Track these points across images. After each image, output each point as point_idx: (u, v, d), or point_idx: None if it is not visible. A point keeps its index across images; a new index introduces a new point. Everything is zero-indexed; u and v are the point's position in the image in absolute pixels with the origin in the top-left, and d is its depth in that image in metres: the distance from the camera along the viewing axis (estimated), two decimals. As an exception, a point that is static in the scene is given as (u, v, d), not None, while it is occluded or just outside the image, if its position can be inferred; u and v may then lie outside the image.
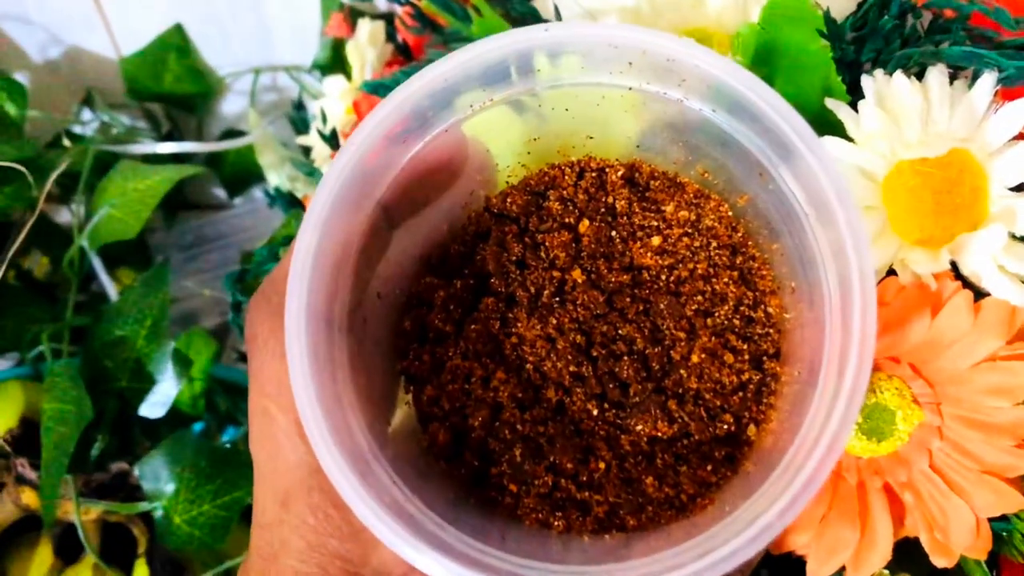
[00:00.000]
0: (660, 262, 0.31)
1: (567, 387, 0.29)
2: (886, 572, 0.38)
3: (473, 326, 0.30)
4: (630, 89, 0.29)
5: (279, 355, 0.27)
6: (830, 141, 0.35)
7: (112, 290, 0.62)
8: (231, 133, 0.69)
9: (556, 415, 0.29)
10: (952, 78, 0.35)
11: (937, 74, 0.34)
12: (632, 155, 0.33)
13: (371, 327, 0.29)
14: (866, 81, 0.35)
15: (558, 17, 0.42)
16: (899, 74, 0.34)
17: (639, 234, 0.31)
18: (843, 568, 0.36)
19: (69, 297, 0.57)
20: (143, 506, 0.49)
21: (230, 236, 0.73)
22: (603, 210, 0.32)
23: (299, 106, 0.62)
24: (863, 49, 0.38)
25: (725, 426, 0.29)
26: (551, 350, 0.29)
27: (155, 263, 0.73)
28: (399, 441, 0.29)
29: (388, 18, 0.54)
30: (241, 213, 0.74)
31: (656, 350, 0.29)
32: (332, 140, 0.47)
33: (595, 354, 0.30)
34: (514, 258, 0.31)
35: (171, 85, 0.68)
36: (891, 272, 0.34)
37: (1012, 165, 0.34)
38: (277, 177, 0.60)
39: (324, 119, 0.52)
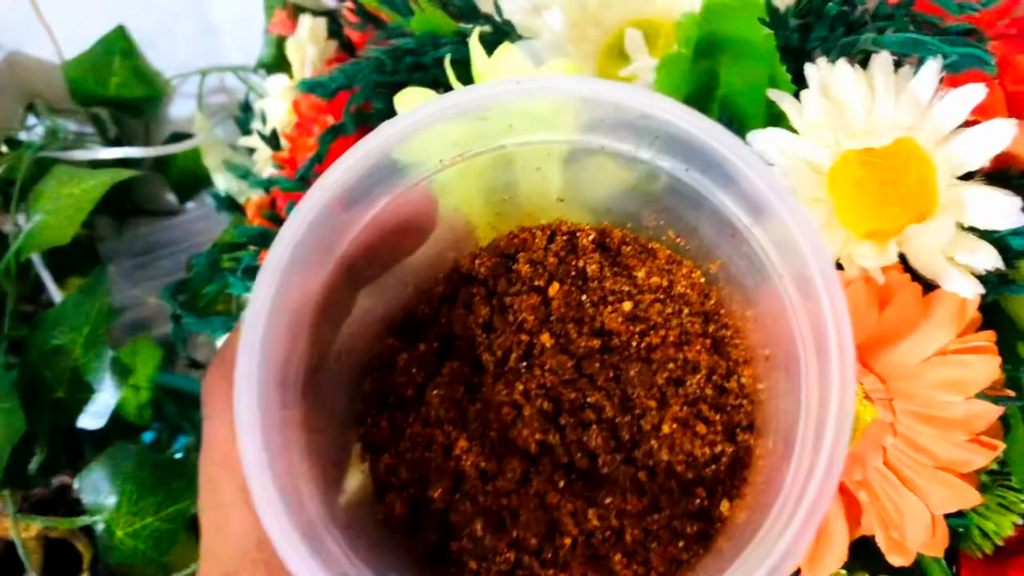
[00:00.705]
0: (631, 328, 0.30)
1: (533, 456, 0.28)
2: (843, 572, 0.37)
3: (436, 391, 0.29)
4: (602, 148, 0.28)
5: (230, 421, 0.25)
6: (774, 132, 0.34)
7: (59, 299, 0.60)
8: (179, 136, 0.67)
9: (521, 486, 0.28)
10: (897, 65, 0.34)
11: (881, 62, 0.34)
12: (603, 218, 0.32)
13: (329, 390, 0.28)
14: (809, 70, 0.34)
15: (498, 12, 0.41)
16: (842, 62, 0.34)
17: (610, 299, 0.30)
18: (799, 570, 0.35)
19: (7, 306, 0.55)
20: (83, 520, 0.47)
21: (182, 242, 0.72)
22: (574, 274, 0.31)
23: (246, 107, 0.60)
24: (809, 37, 0.37)
25: (697, 500, 0.27)
26: (517, 417, 0.28)
27: (106, 273, 0.71)
28: (354, 511, 0.27)
29: (332, 14, 0.52)
30: (193, 218, 0.72)
31: (626, 419, 0.28)
32: (272, 141, 0.46)
33: (563, 422, 0.28)
34: (481, 320, 0.30)
35: (116, 89, 0.66)
36: (839, 266, 0.34)
37: (959, 153, 0.33)
38: (224, 180, 0.58)
39: (264, 119, 0.51)
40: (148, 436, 0.60)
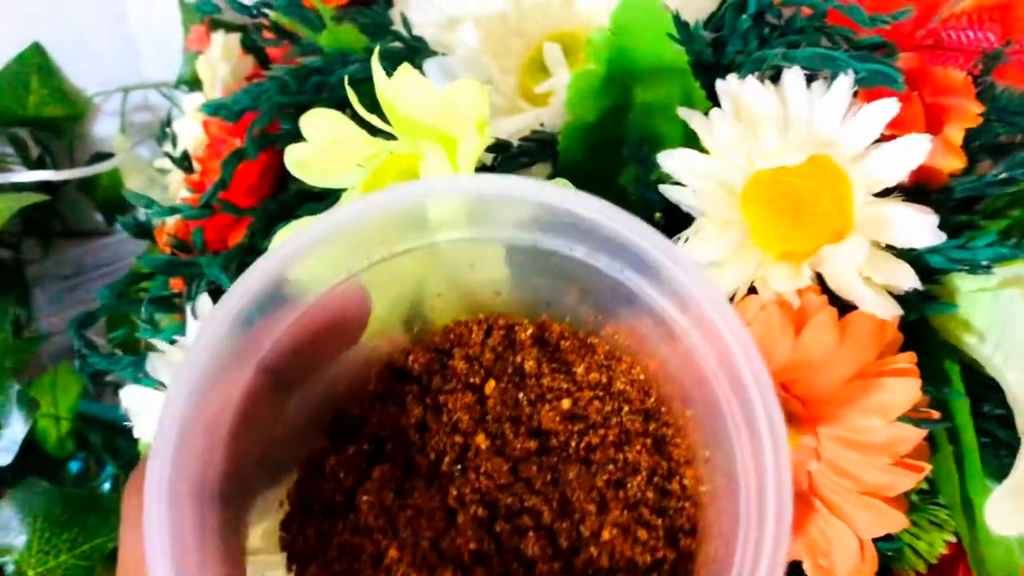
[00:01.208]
0: (570, 427, 0.29)
1: (466, 566, 0.27)
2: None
3: (365, 496, 0.27)
4: (535, 245, 0.27)
5: (137, 531, 0.24)
6: (684, 153, 0.33)
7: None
8: (103, 156, 0.65)
9: None
10: (810, 80, 0.33)
11: (792, 77, 0.33)
12: (542, 312, 0.31)
13: (251, 493, 0.27)
14: (720, 86, 0.33)
15: (407, 27, 0.40)
16: (751, 79, 0.33)
17: (548, 396, 0.29)
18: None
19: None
20: (-9, 563, 0.45)
21: (113, 263, 0.70)
22: (511, 370, 0.30)
23: (167, 124, 0.58)
24: (724, 52, 0.36)
25: None
26: (450, 524, 0.27)
27: (32, 296, 0.69)
28: None
29: (248, 30, 0.51)
30: (122, 239, 0.70)
31: (564, 524, 0.27)
32: (184, 163, 0.45)
33: (499, 529, 0.27)
34: (414, 420, 0.29)
35: (35, 108, 0.64)
36: (752, 290, 0.33)
37: (875, 170, 0.32)
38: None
39: (174, 141, 0.49)
40: (75, 466, 0.58)
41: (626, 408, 0.29)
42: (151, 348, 0.38)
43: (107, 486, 0.56)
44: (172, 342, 0.36)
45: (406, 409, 0.29)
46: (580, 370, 0.30)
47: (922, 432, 0.32)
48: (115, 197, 0.65)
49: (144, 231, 0.42)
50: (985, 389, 0.37)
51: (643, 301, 0.26)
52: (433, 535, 0.27)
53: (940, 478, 0.36)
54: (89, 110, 0.67)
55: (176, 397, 0.22)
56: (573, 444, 0.28)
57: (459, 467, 0.28)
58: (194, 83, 0.56)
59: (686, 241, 0.33)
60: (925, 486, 0.38)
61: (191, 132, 0.48)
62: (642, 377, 0.30)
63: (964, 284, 0.36)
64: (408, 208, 0.25)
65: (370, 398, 0.30)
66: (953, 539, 0.39)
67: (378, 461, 0.28)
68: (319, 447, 0.29)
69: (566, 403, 0.29)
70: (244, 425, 0.25)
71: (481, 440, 0.28)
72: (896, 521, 0.33)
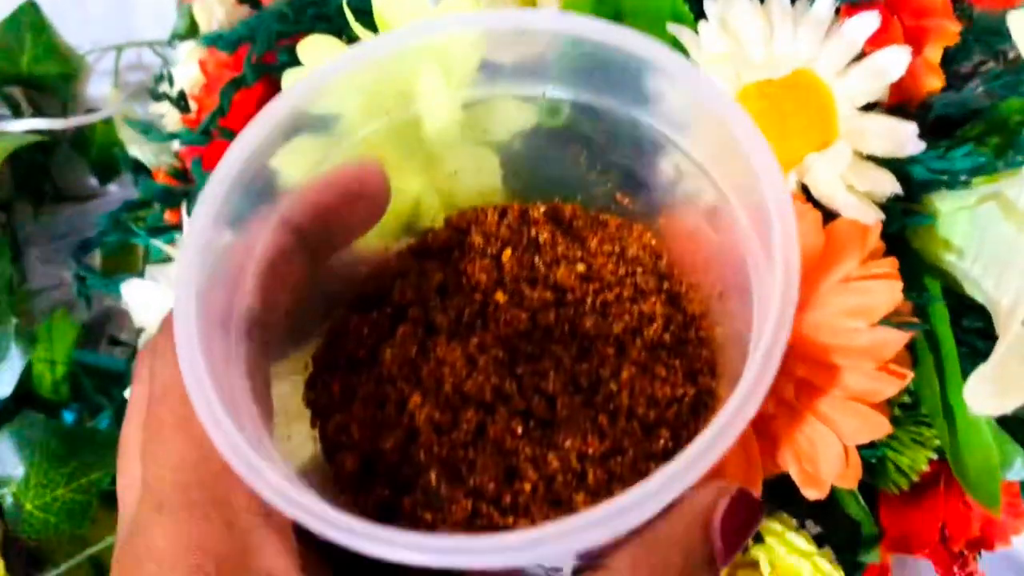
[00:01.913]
0: (585, 286, 0.29)
1: (489, 405, 0.27)
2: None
3: (388, 351, 0.28)
4: (544, 95, 0.28)
5: (168, 360, 0.24)
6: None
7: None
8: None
9: (477, 438, 0.27)
10: (794, -2, 0.34)
11: (778, -8, 0.34)
12: (553, 195, 0.32)
13: (276, 344, 0.27)
14: (708, 3, 0.34)
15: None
16: (738, -7, 0.34)
17: (563, 261, 0.30)
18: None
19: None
20: (-12, 495, 0.46)
21: (104, 225, 0.70)
22: (526, 242, 0.30)
23: (159, 79, 0.59)
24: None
25: (661, 441, 0.27)
26: (472, 369, 0.27)
27: (26, 256, 0.69)
28: (300, 479, 0.26)
29: (243, -22, 0.51)
30: (114, 200, 0.70)
31: (584, 366, 0.28)
32: (180, 103, 0.45)
33: (519, 371, 0.27)
34: (435, 285, 0.29)
35: (29, 66, 0.64)
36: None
37: (858, 83, 0.34)
38: (140, 152, 0.57)
39: (171, 81, 0.49)
40: (69, 416, 0.58)
41: (639, 270, 0.30)
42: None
43: (104, 424, 0.56)
44: (170, 243, 0.37)
45: (426, 275, 0.29)
46: (593, 242, 0.30)
47: (905, 335, 0.33)
48: (108, 156, 0.66)
49: (145, 171, 0.43)
50: (964, 308, 0.38)
51: (666, 148, 0.27)
52: (455, 380, 0.27)
53: (922, 388, 0.37)
54: (83, 69, 0.67)
55: (201, 217, 0.23)
56: (589, 300, 0.29)
57: (479, 321, 0.29)
58: (187, 37, 0.56)
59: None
60: (907, 399, 0.39)
61: (187, 74, 0.49)
62: (654, 243, 0.31)
63: (944, 205, 0.37)
64: (423, 51, 0.25)
65: (391, 275, 0.30)
66: (935, 456, 0.40)
67: (401, 323, 0.29)
68: (343, 314, 0.29)
69: (580, 267, 0.30)
70: (271, 275, 0.25)
71: (500, 296, 0.29)
72: (880, 426, 0.34)
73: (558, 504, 0.26)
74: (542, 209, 0.31)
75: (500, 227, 0.31)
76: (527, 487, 0.26)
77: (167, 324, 0.25)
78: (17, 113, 0.66)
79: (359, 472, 0.27)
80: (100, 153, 0.66)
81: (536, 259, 0.30)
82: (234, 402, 0.23)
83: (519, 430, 0.27)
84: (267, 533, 0.23)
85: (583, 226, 0.31)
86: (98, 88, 0.69)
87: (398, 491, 0.26)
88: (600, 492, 0.26)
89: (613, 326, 0.28)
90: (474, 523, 0.26)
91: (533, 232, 0.31)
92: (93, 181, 0.73)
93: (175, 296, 0.22)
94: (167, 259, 0.36)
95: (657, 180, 0.29)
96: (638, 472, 0.26)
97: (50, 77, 0.65)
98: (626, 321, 0.29)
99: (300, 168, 0.26)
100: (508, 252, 0.30)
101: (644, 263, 0.30)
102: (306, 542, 0.24)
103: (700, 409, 0.28)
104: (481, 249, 0.30)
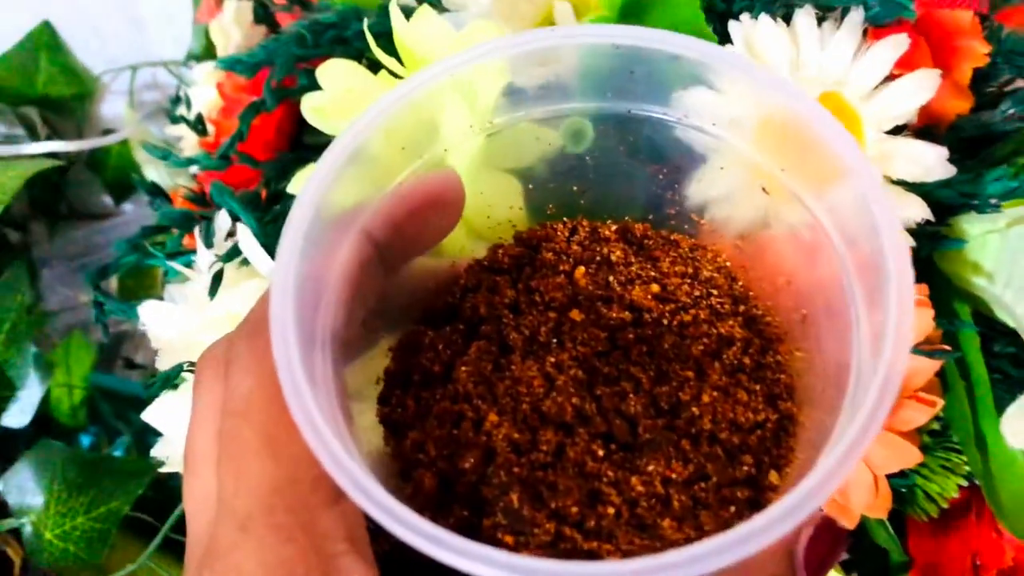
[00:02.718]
0: (661, 306, 0.28)
1: (568, 425, 0.26)
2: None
3: (463, 368, 0.27)
4: (629, 112, 0.27)
5: (250, 371, 0.23)
6: (697, 92, 0.33)
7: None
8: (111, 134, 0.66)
9: (557, 459, 0.26)
10: (820, 20, 0.34)
11: (804, 16, 0.33)
12: (625, 213, 0.31)
13: (354, 359, 0.27)
14: (733, 27, 0.34)
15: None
16: (765, 17, 0.33)
17: (637, 281, 0.29)
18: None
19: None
20: (9, 523, 0.45)
21: (121, 244, 0.70)
22: (598, 259, 0.30)
23: (176, 100, 0.59)
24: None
25: (745, 467, 0.26)
26: (550, 388, 0.27)
27: (41, 277, 0.69)
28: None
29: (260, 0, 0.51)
30: (129, 220, 0.70)
31: (664, 389, 0.27)
32: (198, 126, 0.45)
33: (599, 392, 0.27)
34: (507, 301, 0.29)
35: (45, 87, 0.64)
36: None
37: (886, 106, 0.33)
38: (156, 174, 0.57)
39: (188, 104, 0.49)
40: (86, 440, 0.58)
41: (715, 292, 0.29)
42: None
43: (119, 452, 0.56)
44: (189, 265, 0.36)
45: (499, 292, 0.29)
46: (666, 263, 0.30)
47: (935, 364, 0.33)
48: (124, 176, 0.66)
49: (162, 194, 0.43)
50: (995, 333, 0.38)
51: (734, 157, 0.27)
52: (533, 399, 0.26)
53: (953, 416, 0.36)
54: (97, 89, 0.67)
55: (291, 241, 0.23)
56: (666, 321, 0.28)
57: (555, 340, 0.28)
58: (203, 57, 0.56)
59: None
60: (937, 426, 0.38)
61: (204, 96, 0.49)
62: (728, 264, 0.30)
63: (973, 228, 0.36)
64: (451, 86, 0.25)
65: (462, 290, 0.30)
66: (965, 483, 0.40)
67: (474, 339, 0.28)
68: (415, 329, 0.29)
69: (655, 287, 0.29)
70: (352, 292, 0.25)
71: (575, 315, 0.28)
72: (910, 456, 0.34)
73: (643, 529, 0.25)
74: (613, 227, 0.31)
75: (571, 244, 0.30)
76: (611, 511, 0.25)
77: (247, 330, 0.25)
78: (33, 134, 0.66)
79: (437, 491, 0.26)
80: (115, 173, 0.67)
81: (610, 278, 0.29)
82: (327, 419, 0.22)
83: (600, 453, 0.26)
84: (353, 560, 0.23)
85: (654, 246, 0.30)
86: (113, 108, 0.69)
87: (477, 512, 0.26)
88: (686, 518, 0.25)
89: (692, 348, 0.28)
90: (558, 547, 0.25)
91: (605, 251, 0.30)
92: (108, 200, 0.74)
93: (272, 304, 0.22)
94: (186, 280, 0.36)
95: (728, 196, 0.29)
96: (722, 499, 0.26)
97: (65, 98, 0.66)
98: (704, 343, 0.28)
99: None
100: (582, 270, 0.29)
101: (719, 285, 0.29)
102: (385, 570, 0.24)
103: (781, 435, 0.27)
104: (553, 266, 0.29)
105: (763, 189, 0.27)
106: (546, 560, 0.20)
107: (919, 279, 0.34)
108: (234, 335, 0.26)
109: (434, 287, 0.30)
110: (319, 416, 0.21)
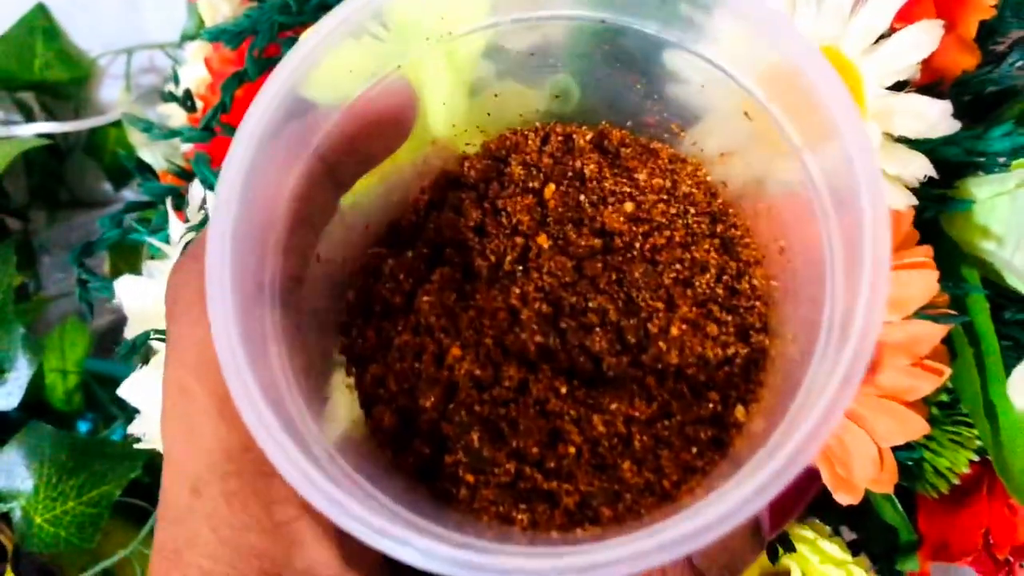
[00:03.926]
0: (634, 228, 0.28)
1: (532, 362, 0.26)
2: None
3: (425, 297, 0.26)
4: (603, 22, 0.26)
5: (204, 322, 0.22)
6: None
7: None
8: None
9: (519, 395, 0.26)
10: (817, -27, 0.32)
11: (799, -33, 0.32)
12: (602, 118, 0.30)
13: (311, 299, 0.26)
14: (726, -20, 0.33)
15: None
16: (758, -32, 0.32)
17: (610, 200, 0.28)
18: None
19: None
20: (-2, 507, 0.45)
21: (120, 231, 0.69)
22: (570, 175, 0.29)
23: (171, 80, 0.58)
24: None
25: (710, 405, 0.26)
26: (514, 322, 0.26)
27: (41, 264, 0.69)
28: (338, 430, 0.25)
29: (249, -25, 0.50)
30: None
31: (631, 322, 0.26)
32: (186, 102, 0.44)
33: (563, 326, 0.26)
34: (472, 224, 0.28)
35: (41, 71, 0.64)
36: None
37: (886, 61, 0.32)
38: (151, 156, 0.56)
39: (176, 80, 0.49)
40: (84, 426, 0.57)
41: (692, 211, 0.28)
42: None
43: (116, 438, 0.55)
44: (166, 239, 0.36)
45: (463, 214, 0.28)
46: (643, 176, 0.29)
47: (942, 329, 0.31)
48: (122, 161, 0.65)
49: (146, 167, 0.42)
50: (1005, 300, 0.36)
51: (719, 76, 0.25)
52: (496, 332, 0.26)
53: (961, 384, 0.35)
54: (94, 72, 0.67)
55: (231, 174, 0.21)
56: (638, 245, 0.27)
57: (521, 267, 0.27)
58: (196, 36, 0.55)
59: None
60: (946, 398, 0.37)
61: (193, 73, 0.48)
62: (708, 179, 0.29)
63: (981, 191, 0.35)
64: None
65: (425, 207, 0.29)
66: (976, 458, 0.38)
67: (437, 265, 0.27)
68: (376, 253, 0.28)
69: (629, 206, 0.28)
70: (300, 221, 0.24)
71: (543, 240, 0.27)
72: (917, 426, 0.32)
73: (603, 469, 0.25)
74: (588, 136, 0.29)
75: (542, 156, 0.29)
76: (571, 451, 0.25)
77: (193, 256, 0.24)
78: (30, 118, 0.66)
79: (397, 428, 0.26)
80: (114, 158, 0.66)
81: (582, 197, 0.28)
82: (272, 380, 0.22)
83: (563, 390, 0.25)
84: (308, 523, 0.23)
85: (632, 155, 0.29)
86: (110, 92, 0.69)
87: (438, 449, 0.25)
88: (646, 459, 0.25)
89: (663, 276, 0.27)
90: (517, 486, 0.25)
91: (578, 164, 0.29)
92: (108, 187, 0.73)
93: (208, 256, 0.21)
94: (165, 256, 0.35)
95: (715, 117, 0.27)
96: (685, 437, 0.25)
97: (62, 82, 0.65)
98: (677, 271, 0.27)
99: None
100: (551, 188, 0.28)
101: (697, 201, 0.28)
102: None
103: (751, 369, 0.26)
104: (522, 182, 0.28)
105: (745, 114, 0.26)
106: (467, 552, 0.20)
107: (923, 240, 0.32)
108: (181, 264, 0.25)
109: (398, 199, 0.29)
110: (257, 390, 0.21)
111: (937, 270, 0.31)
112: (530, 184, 0.28)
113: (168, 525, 0.24)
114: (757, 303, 0.27)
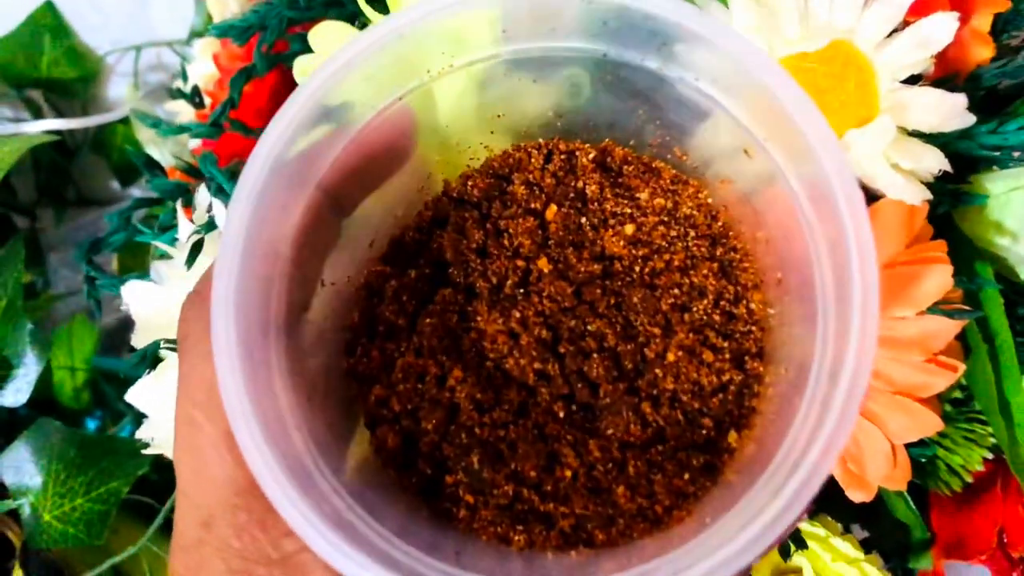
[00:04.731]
0: (634, 252, 0.28)
1: (531, 387, 0.26)
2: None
3: (428, 319, 0.27)
4: (604, 56, 0.26)
5: (208, 357, 0.23)
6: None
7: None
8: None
9: (518, 418, 0.26)
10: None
11: (812, -40, 0.32)
12: (605, 136, 0.30)
13: (317, 324, 0.26)
14: (738, -28, 0.32)
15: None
16: (771, -39, 0.31)
17: (611, 222, 0.28)
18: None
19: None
20: (6, 504, 0.44)
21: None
22: (572, 195, 0.29)
23: (179, 76, 0.58)
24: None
25: (704, 431, 0.26)
26: (514, 346, 0.27)
27: (49, 262, 0.68)
28: (344, 450, 0.26)
29: (257, -29, 0.50)
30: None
31: (629, 347, 0.27)
32: (194, 98, 0.44)
33: (562, 351, 0.27)
34: (474, 246, 0.28)
35: (49, 69, 0.64)
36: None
37: (900, 55, 0.31)
38: (159, 153, 0.56)
39: (184, 76, 0.48)
40: (92, 424, 0.57)
41: (692, 233, 0.28)
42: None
43: (124, 435, 0.55)
44: (173, 242, 0.35)
45: (466, 234, 0.28)
46: (644, 195, 0.29)
47: (956, 325, 0.31)
48: (130, 159, 0.65)
49: (154, 163, 0.42)
50: (1019, 296, 0.36)
51: (719, 115, 0.26)
52: (496, 357, 0.26)
53: (975, 381, 0.34)
54: (101, 70, 0.67)
55: (237, 216, 0.22)
56: (637, 269, 0.28)
57: (521, 291, 0.27)
58: (204, 32, 0.55)
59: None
60: (959, 394, 0.36)
61: (201, 70, 0.48)
62: (709, 201, 0.29)
63: (995, 186, 0.35)
64: (471, 15, 0.24)
65: (429, 225, 0.29)
66: (990, 455, 0.38)
67: (439, 286, 0.28)
68: (379, 272, 0.28)
69: (630, 228, 0.28)
70: (305, 251, 0.25)
71: (543, 264, 0.27)
72: (930, 423, 0.32)
73: (598, 492, 0.26)
74: (591, 154, 0.30)
75: (544, 175, 0.29)
76: (568, 474, 0.26)
77: (201, 294, 0.25)
78: (38, 116, 0.66)
79: (400, 448, 0.26)
80: (121, 156, 0.66)
81: (583, 219, 0.28)
82: (277, 415, 0.23)
83: (561, 414, 0.26)
84: (312, 556, 0.24)
85: (634, 173, 0.29)
86: (118, 90, 0.68)
87: (440, 470, 0.26)
88: (640, 484, 0.26)
89: (661, 301, 0.27)
90: (515, 508, 0.26)
91: (580, 184, 0.29)
92: (115, 185, 0.73)
93: (214, 290, 0.22)
94: (172, 258, 0.35)
95: (713, 145, 0.27)
96: (678, 463, 0.26)
97: (69, 79, 0.65)
98: (675, 296, 0.27)
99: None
100: (553, 209, 0.28)
101: (698, 224, 0.29)
102: None
103: (745, 394, 0.27)
104: (524, 202, 0.29)
105: (745, 151, 0.26)
106: None
107: (937, 236, 0.32)
108: (190, 301, 0.26)
109: (401, 214, 0.29)
110: (259, 430, 0.21)
111: (951, 265, 0.31)
112: (532, 204, 0.28)
113: (181, 553, 0.25)
114: (753, 328, 0.27)
